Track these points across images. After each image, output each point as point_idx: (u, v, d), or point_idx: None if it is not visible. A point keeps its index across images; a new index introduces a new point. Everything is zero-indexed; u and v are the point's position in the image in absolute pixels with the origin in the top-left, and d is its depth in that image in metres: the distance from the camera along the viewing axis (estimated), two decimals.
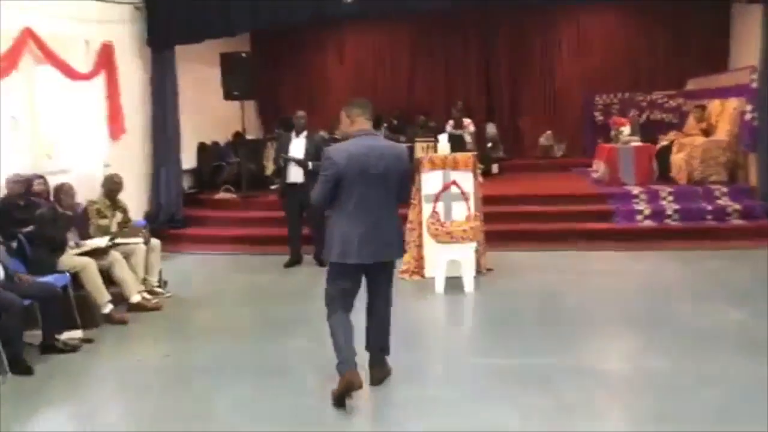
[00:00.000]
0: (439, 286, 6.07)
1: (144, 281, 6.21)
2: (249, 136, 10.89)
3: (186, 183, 10.51)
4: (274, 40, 12.65)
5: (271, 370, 4.46)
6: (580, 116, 12.49)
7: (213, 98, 10.01)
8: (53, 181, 6.51)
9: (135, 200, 9.00)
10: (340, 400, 3.79)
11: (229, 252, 8.38)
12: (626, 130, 9.82)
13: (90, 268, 5.41)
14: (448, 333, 5.25)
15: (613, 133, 10.27)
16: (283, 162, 7.26)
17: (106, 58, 8.25)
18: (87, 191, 7.63)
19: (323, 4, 8.47)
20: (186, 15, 8.79)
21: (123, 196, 8.58)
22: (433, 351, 4.76)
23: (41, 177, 6.83)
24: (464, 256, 6.01)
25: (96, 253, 5.65)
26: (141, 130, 9.19)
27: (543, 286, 6.22)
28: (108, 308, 5.50)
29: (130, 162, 8.94)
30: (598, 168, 9.67)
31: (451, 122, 10.99)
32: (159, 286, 6.36)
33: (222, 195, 10.00)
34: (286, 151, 7.27)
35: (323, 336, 4.65)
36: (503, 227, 7.97)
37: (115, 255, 5.79)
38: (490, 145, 11.81)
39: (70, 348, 4.84)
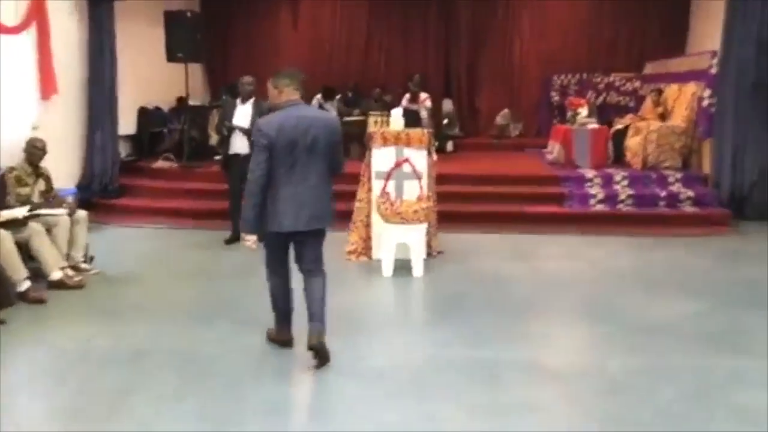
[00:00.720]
0: (387, 269, 5.77)
1: (68, 257, 5.73)
2: (193, 102, 10.31)
3: (124, 150, 9.93)
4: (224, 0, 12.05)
5: (198, 358, 4.10)
6: (538, 96, 12.31)
7: (156, 60, 9.42)
8: None
9: (67, 166, 8.44)
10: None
11: (166, 225, 7.90)
12: (583, 111, 9.66)
13: (4, 241, 4.91)
14: (393, 320, 4.94)
15: (569, 114, 10.12)
16: (226, 131, 6.81)
17: (37, 11, 7.57)
18: (12, 157, 7.07)
19: None
20: None
21: (53, 162, 8.02)
22: (374, 339, 4.45)
23: None
24: (414, 238, 5.72)
25: (13, 225, 5.13)
26: (75, 90, 8.55)
27: (494, 272, 5.99)
28: (24, 286, 5.03)
29: (62, 125, 8.34)
30: (553, 149, 9.50)
31: (407, 96, 10.63)
32: (84, 262, 5.89)
33: (161, 164, 9.45)
34: (231, 118, 6.81)
35: (257, 319, 4.42)
36: (456, 208, 7.72)
37: (35, 227, 5.29)
38: (445, 121, 11.54)
39: None
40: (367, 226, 6.36)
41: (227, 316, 4.84)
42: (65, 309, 5.02)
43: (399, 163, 5.91)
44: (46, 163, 7.85)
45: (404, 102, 10.56)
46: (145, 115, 10.38)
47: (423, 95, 10.50)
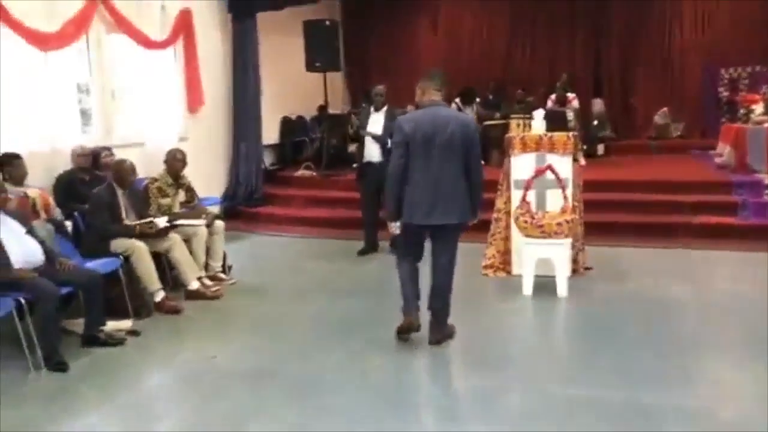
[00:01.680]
0: (527, 287, 5.27)
1: (206, 266, 5.80)
2: (333, 111, 10.33)
3: (268, 159, 10.15)
4: (365, 8, 12.01)
5: (321, 384, 3.87)
6: (701, 92, 11.07)
7: (297, 70, 9.51)
8: (126, 156, 6.20)
9: (213, 176, 8.72)
10: (401, 336, 4.30)
11: (305, 234, 7.89)
12: (758, 108, 8.48)
13: (141, 251, 5.00)
14: (531, 349, 4.39)
15: (741, 111, 8.96)
16: (358, 137, 6.64)
17: (183, 26, 7.89)
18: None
19: None
20: None
21: (200, 172, 8.34)
22: (510, 371, 3.98)
23: (108, 149, 6.55)
24: (557, 254, 5.17)
25: (153, 236, 5.22)
26: (220, 102, 8.84)
27: (651, 294, 5.27)
28: (159, 296, 5.10)
29: (208, 136, 8.63)
30: (723, 152, 8.41)
31: (552, 97, 9.99)
32: (223, 272, 5.94)
33: (302, 172, 9.52)
34: (365, 126, 6.63)
35: (385, 338, 4.26)
36: (606, 218, 7.02)
37: (175, 237, 5.37)
38: (596, 123, 10.69)
39: (115, 341, 4.45)
40: (506, 239, 5.88)
41: (356, 334, 4.58)
42: (198, 321, 5.03)
43: (540, 170, 5.37)
44: (194, 173, 8.20)
45: (549, 103, 9.93)
46: (287, 124, 10.58)
47: (570, 95, 9.83)
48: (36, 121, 6.05)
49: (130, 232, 5.07)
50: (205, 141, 8.56)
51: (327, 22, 9.03)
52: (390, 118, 6.49)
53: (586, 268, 5.86)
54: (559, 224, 5.12)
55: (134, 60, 7.29)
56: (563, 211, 5.29)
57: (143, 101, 7.42)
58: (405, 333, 4.28)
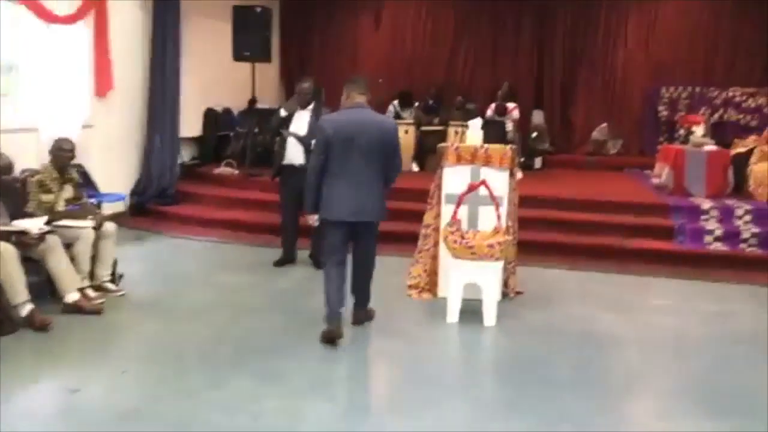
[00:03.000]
0: (452, 314, 4.78)
1: (92, 275, 5.08)
2: (264, 105, 9.64)
3: (188, 153, 9.41)
4: None
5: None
6: (641, 110, 10.93)
7: (226, 59, 8.81)
8: (14, 144, 5.40)
9: (121, 170, 7.95)
10: (325, 342, 4.27)
11: (218, 239, 7.21)
12: (699, 130, 8.33)
13: (5, 254, 4.25)
14: (455, 384, 3.92)
15: (681, 132, 8.80)
16: (278, 137, 6.02)
17: (94, 0, 7.07)
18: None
19: None
20: None
21: (107, 165, 7.57)
22: (430, 410, 3.47)
23: None
24: (487, 279, 4.70)
25: (24, 238, 4.48)
26: (135, 88, 8.05)
27: (585, 325, 4.87)
28: (26, 309, 4.36)
29: (119, 124, 7.86)
30: (661, 173, 8.19)
31: (492, 106, 9.62)
32: (112, 281, 5.22)
33: (222, 170, 8.81)
34: (288, 125, 6.00)
35: (284, 373, 3.69)
36: (540, 237, 6.69)
37: (52, 241, 4.63)
38: (534, 135, 10.38)
39: None
40: (434, 257, 5.39)
41: (252, 364, 3.98)
42: (69, 342, 4.31)
43: (474, 186, 4.88)
44: (100, 166, 7.43)
45: (489, 112, 9.58)
46: (212, 117, 9.82)
47: (510, 105, 9.47)
48: None
49: None
50: (115, 130, 7.77)
51: (258, 9, 8.35)
52: (316, 118, 5.92)
53: (517, 293, 5.44)
54: (490, 246, 4.65)
55: (32, 34, 6.45)
56: (496, 231, 4.82)
57: (39, 81, 6.58)
58: (329, 342, 4.27)
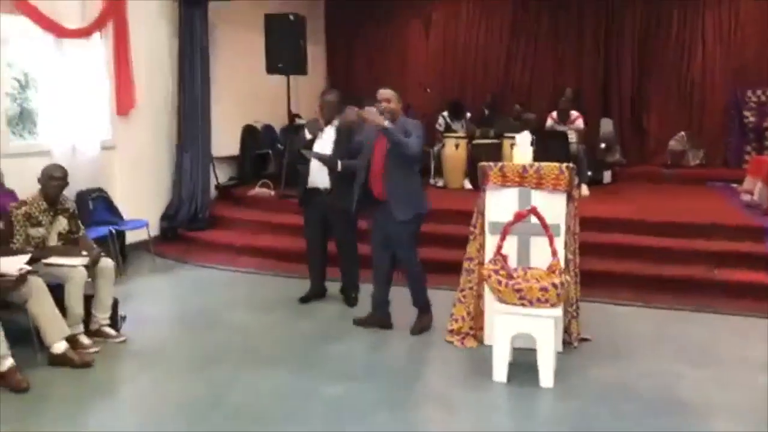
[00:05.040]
0: (500, 371, 3.92)
1: (90, 318, 4.50)
2: (303, 120, 8.99)
3: (225, 173, 8.84)
4: (351, 5, 10.73)
5: None
6: (724, 116, 9.71)
7: (260, 71, 8.19)
8: (26, 168, 4.87)
9: (149, 193, 7.43)
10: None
11: (246, 268, 6.55)
12: None
13: None
14: None
15: None
16: (299, 157, 5.31)
17: (113, 12, 6.58)
18: (77, 181, 6.07)
19: None
20: None
21: (131, 188, 7.05)
22: None
23: None
24: (542, 330, 3.82)
25: (3, 280, 3.92)
26: (161, 105, 7.53)
27: (663, 382, 3.92)
28: (4, 365, 3.77)
29: (145, 144, 7.35)
30: (753, 188, 7.05)
31: (554, 114, 8.68)
32: (111, 325, 4.61)
33: (257, 191, 8.19)
34: (311, 145, 5.27)
35: None
36: (607, 267, 5.75)
37: (35, 283, 4.04)
38: (603, 146, 9.38)
39: None
40: (479, 297, 4.54)
41: None
42: (46, 401, 3.69)
43: (520, 215, 4.01)
44: (123, 189, 6.92)
45: (549, 121, 8.64)
46: (250, 134, 9.26)
47: (574, 114, 8.50)
48: None
49: None
50: (141, 150, 7.26)
51: (291, 17, 7.71)
52: (341, 134, 5.19)
53: (582, 340, 4.52)
54: (544, 289, 3.77)
55: (44, 50, 6.00)
56: (551, 269, 3.95)
57: (52, 100, 6.10)
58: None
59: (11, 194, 5.23)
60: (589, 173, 8.36)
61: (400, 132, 4.47)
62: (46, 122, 6.16)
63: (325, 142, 5.20)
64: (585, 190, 7.88)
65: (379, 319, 4.85)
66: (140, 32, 6.98)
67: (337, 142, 5.15)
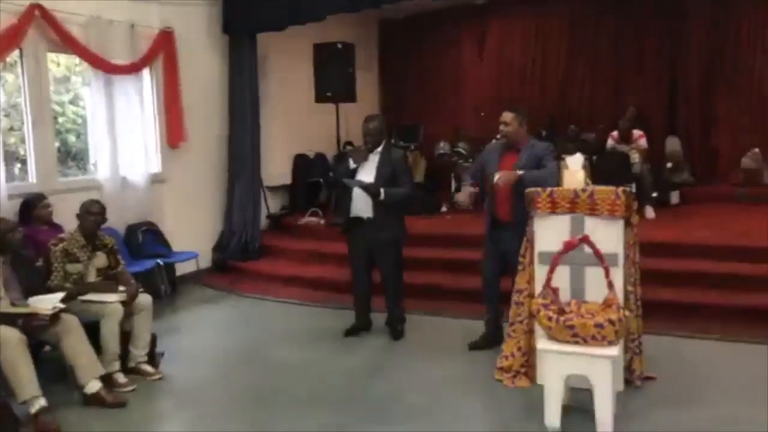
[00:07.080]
0: (552, 416, 3.57)
1: (129, 355, 4.42)
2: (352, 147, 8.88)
3: (278, 203, 8.79)
4: (403, 30, 10.62)
5: None
6: None
7: (309, 100, 8.13)
8: (80, 201, 4.87)
9: (202, 224, 7.44)
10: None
11: (294, 299, 6.42)
12: None
13: (7, 343, 3.63)
14: None
15: None
16: (341, 185, 5.15)
17: (162, 47, 6.66)
18: (127, 214, 6.12)
19: None
20: None
21: (182, 220, 7.05)
22: None
23: (43, 197, 5.36)
24: (597, 370, 3.47)
25: (36, 319, 3.86)
26: (211, 137, 7.56)
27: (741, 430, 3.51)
28: (35, 407, 3.69)
29: (195, 176, 7.37)
30: None
31: (615, 134, 8.26)
32: (149, 362, 4.51)
33: (307, 220, 8.09)
34: (354, 174, 5.09)
35: None
36: (676, 297, 5.30)
37: (68, 321, 3.98)
38: (670, 165, 8.83)
39: None
40: (530, 332, 4.22)
41: None
42: None
43: (571, 243, 3.68)
44: (174, 221, 6.93)
45: (611, 141, 8.23)
46: (302, 162, 9.21)
47: (636, 132, 8.07)
48: None
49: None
50: (191, 182, 7.29)
51: (339, 45, 7.64)
52: (385, 160, 5.00)
53: (645, 378, 4.13)
54: (599, 326, 3.43)
55: (95, 86, 6.08)
56: (607, 304, 3.60)
57: (102, 134, 6.16)
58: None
59: (58, 228, 5.25)
60: (655, 194, 7.89)
61: (531, 160, 4.35)
62: (97, 157, 6.22)
63: (368, 169, 5.02)
64: (651, 212, 7.43)
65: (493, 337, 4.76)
66: (190, 64, 7.05)
67: (380, 169, 4.96)
